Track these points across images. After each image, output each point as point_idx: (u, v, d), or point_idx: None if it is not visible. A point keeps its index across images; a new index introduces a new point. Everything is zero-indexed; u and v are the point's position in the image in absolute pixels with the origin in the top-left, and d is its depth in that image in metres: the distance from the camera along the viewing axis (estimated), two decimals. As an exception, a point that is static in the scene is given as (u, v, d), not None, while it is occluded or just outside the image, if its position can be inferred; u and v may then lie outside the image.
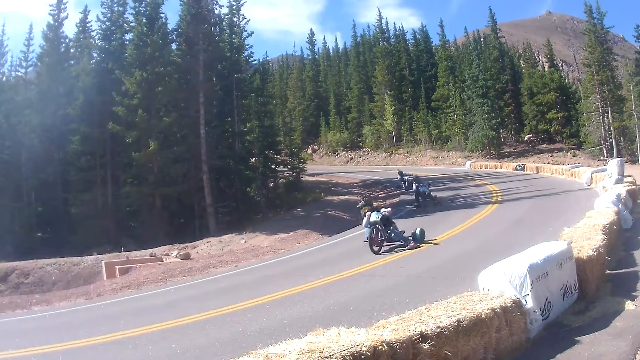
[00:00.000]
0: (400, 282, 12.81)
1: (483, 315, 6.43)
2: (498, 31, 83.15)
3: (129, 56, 36.51)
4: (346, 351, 4.85)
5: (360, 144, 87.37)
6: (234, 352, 7.71)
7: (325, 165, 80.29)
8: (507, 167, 55.13)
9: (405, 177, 38.59)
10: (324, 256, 19.84)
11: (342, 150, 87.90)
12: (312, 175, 57.45)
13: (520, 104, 73.09)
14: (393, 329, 5.62)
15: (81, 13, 46.14)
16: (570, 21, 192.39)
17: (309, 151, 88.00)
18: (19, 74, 45.33)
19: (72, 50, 43.70)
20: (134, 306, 15.64)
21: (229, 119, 40.88)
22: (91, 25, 45.45)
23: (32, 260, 27.00)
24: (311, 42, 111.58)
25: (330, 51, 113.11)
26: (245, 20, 44.04)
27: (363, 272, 14.76)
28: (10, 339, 12.53)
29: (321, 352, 4.81)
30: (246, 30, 44.21)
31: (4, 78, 46.03)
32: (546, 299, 7.81)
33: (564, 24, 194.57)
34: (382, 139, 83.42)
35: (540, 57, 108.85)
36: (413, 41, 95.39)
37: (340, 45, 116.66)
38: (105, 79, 37.30)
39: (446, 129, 74.45)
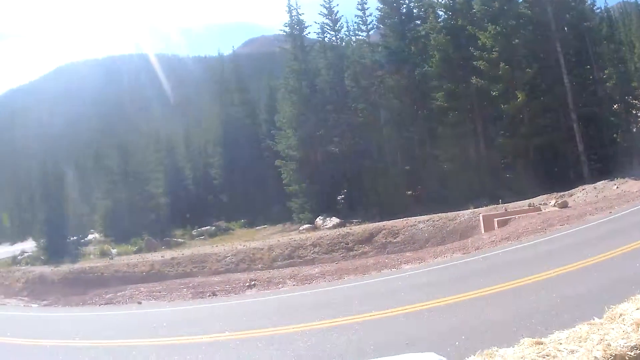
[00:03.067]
0: None
1: None
2: None
3: (478, 12, 40.35)
4: None
5: None
6: (613, 299, 7.24)
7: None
8: None
9: None
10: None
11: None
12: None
13: None
14: None
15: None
16: None
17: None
18: (360, 37, 50.70)
19: (414, 11, 48.23)
20: (511, 258, 16.65)
21: (588, 67, 42.60)
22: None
23: (401, 219, 29.63)
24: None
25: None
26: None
27: None
28: (381, 299, 13.58)
29: None
30: (587, -20, 44.98)
31: (343, 43, 52.26)
32: None
33: None
34: None
35: None
36: None
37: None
38: (458, 35, 41.37)
39: None
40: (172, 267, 28.89)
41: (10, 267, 39.04)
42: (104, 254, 42.27)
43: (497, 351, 5.44)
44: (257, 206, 56.04)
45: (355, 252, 27.18)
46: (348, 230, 30.15)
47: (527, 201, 29.84)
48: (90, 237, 59.43)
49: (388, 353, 6.80)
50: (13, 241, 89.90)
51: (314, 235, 31.41)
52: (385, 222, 30.33)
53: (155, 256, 32.53)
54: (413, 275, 16.83)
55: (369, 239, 27.97)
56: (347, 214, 42.48)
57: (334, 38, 52.53)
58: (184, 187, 71.97)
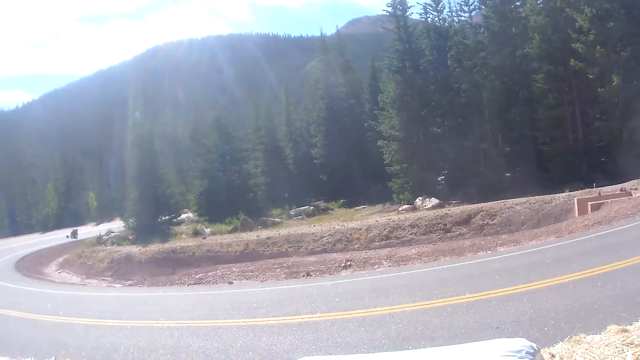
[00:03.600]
0: None
1: None
2: None
3: (573, -7, 40.98)
4: None
5: None
6: None
7: None
8: None
9: None
10: None
11: None
12: None
13: None
14: None
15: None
16: None
17: None
18: (463, 18, 52.43)
19: (516, -8, 48.77)
20: (602, 243, 17.19)
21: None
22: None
23: (499, 201, 30.34)
24: None
25: None
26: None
27: None
28: (475, 281, 14.42)
29: None
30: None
31: (446, 23, 54.16)
32: None
33: None
34: None
35: None
36: None
37: None
38: (557, 17, 42.92)
39: None
40: (266, 247, 30.40)
41: (94, 247, 41.57)
42: (196, 234, 45.22)
43: (584, 338, 6.18)
44: (357, 186, 57.69)
45: (452, 233, 28.10)
46: (446, 212, 31.18)
47: (619, 185, 30.11)
48: (183, 216, 60.34)
49: (478, 336, 8.07)
50: (99, 221, 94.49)
51: (412, 216, 32.44)
52: (483, 203, 31.22)
53: (251, 235, 34.65)
54: (507, 258, 17.61)
55: (466, 220, 28.84)
56: (447, 195, 44.09)
57: (436, 19, 54.90)
58: (283, 166, 74.34)
